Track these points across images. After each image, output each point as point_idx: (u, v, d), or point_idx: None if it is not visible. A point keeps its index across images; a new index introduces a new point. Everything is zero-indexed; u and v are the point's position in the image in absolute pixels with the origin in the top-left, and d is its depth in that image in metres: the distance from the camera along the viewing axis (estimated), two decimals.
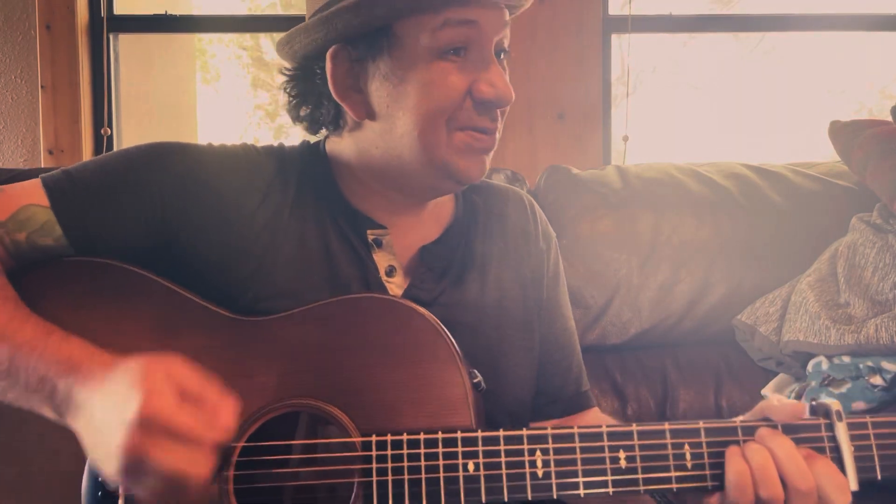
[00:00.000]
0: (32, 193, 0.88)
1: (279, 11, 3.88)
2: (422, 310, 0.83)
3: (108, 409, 0.71)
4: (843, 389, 1.33)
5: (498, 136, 0.92)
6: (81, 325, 0.81)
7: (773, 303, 1.53)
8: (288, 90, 0.96)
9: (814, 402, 0.79)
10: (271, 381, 0.82)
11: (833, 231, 1.58)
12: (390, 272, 0.94)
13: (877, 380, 1.31)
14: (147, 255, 0.89)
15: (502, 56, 0.91)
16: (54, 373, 0.75)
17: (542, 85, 2.03)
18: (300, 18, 0.94)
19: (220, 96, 3.99)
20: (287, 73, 0.96)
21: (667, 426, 0.78)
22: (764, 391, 1.49)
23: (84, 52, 2.07)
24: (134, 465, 0.68)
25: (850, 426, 0.77)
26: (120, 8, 2.16)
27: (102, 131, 2.08)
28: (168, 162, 0.91)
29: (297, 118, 0.98)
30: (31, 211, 0.87)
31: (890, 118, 1.70)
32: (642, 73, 3.18)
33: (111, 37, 2.15)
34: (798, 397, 1.39)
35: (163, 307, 0.86)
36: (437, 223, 1.00)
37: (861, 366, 1.33)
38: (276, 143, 1.01)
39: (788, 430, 0.77)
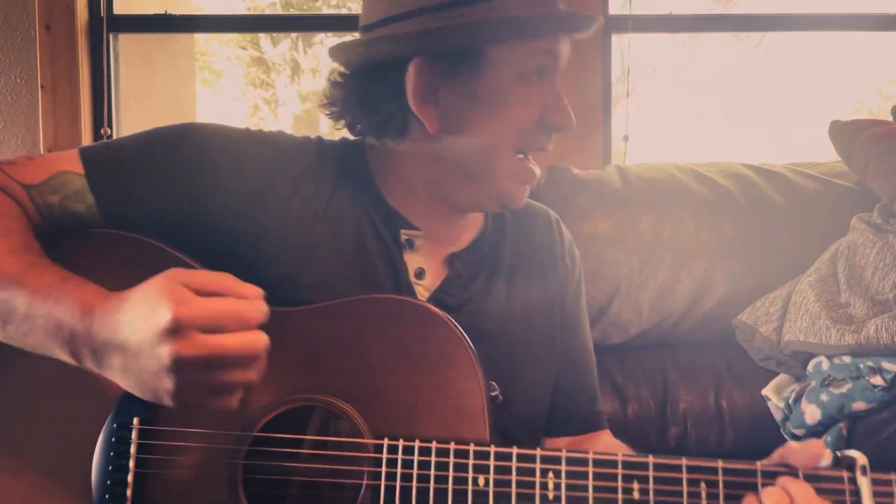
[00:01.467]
0: (69, 161, 0.90)
1: (279, 11, 3.88)
2: (446, 317, 0.83)
3: (141, 330, 0.69)
4: (844, 389, 1.33)
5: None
6: None
7: (773, 303, 1.53)
8: (345, 93, 0.94)
9: (839, 454, 0.77)
10: (289, 374, 0.82)
11: (833, 231, 1.58)
12: (420, 274, 0.95)
13: (877, 380, 1.31)
14: (173, 231, 0.89)
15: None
16: (70, 316, 0.74)
17: None
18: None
19: (220, 96, 3.99)
20: (346, 76, 0.94)
21: (684, 461, 0.76)
22: (764, 391, 1.49)
23: (84, 51, 2.07)
24: (193, 361, 0.67)
25: (875, 482, 0.75)
26: (120, 8, 2.16)
27: (102, 131, 2.08)
28: (202, 143, 0.92)
29: (352, 120, 0.95)
30: (66, 177, 0.89)
31: (890, 118, 1.70)
32: (642, 73, 3.18)
33: (111, 37, 2.14)
34: (798, 397, 1.39)
35: None
36: (466, 232, 1.01)
37: (861, 366, 1.33)
38: (314, 136, 1.01)
39: (810, 479, 0.75)
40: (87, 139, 2.06)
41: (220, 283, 0.71)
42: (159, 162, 0.91)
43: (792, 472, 0.76)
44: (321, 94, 0.99)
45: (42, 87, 2.02)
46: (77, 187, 0.89)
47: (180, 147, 0.92)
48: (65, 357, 0.76)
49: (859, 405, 1.32)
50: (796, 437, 1.40)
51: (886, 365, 1.31)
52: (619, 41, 2.13)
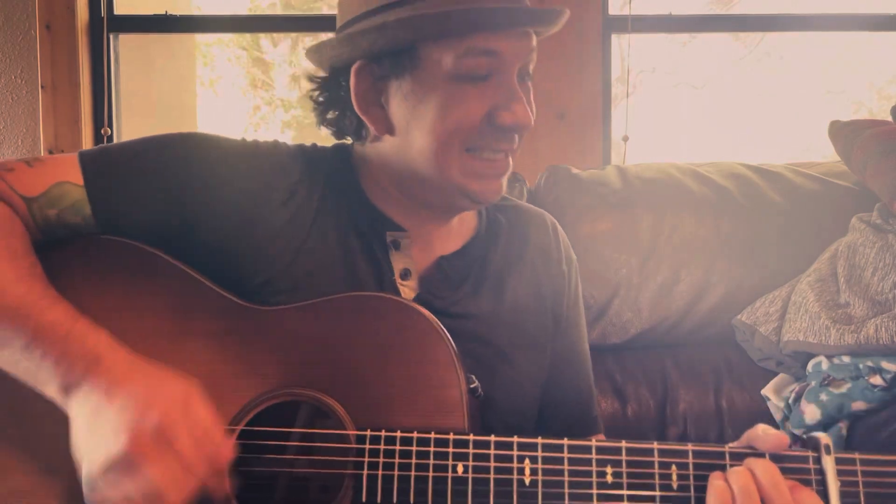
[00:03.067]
0: (68, 170, 0.90)
1: (279, 11, 3.88)
2: (426, 312, 0.85)
3: (120, 409, 0.73)
4: (843, 389, 1.33)
5: (513, 156, 0.93)
6: (99, 301, 0.84)
7: (773, 303, 1.53)
8: (314, 97, 0.98)
9: (805, 435, 0.79)
10: (275, 370, 0.84)
11: (833, 231, 1.58)
12: (405, 275, 0.95)
13: (877, 380, 1.31)
14: (167, 239, 0.90)
15: (526, 79, 0.92)
16: (73, 357, 0.76)
17: (542, 85, 2.01)
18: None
19: (220, 96, 3.99)
20: (315, 80, 0.98)
21: (655, 445, 0.79)
22: (764, 391, 1.49)
23: (84, 52, 2.07)
24: (125, 465, 0.70)
25: (839, 461, 0.77)
26: (120, 8, 2.16)
27: (102, 131, 2.08)
28: (199, 153, 0.93)
29: (322, 122, 0.99)
30: (64, 188, 0.89)
31: (890, 118, 1.70)
32: (642, 73, 3.18)
33: (111, 37, 2.14)
34: (798, 397, 1.39)
35: (179, 290, 0.88)
36: (458, 235, 1.01)
37: (861, 366, 1.33)
38: (308, 144, 1.02)
39: (776, 458, 0.77)
40: (87, 139, 2.07)
41: (211, 429, 0.75)
42: (156, 173, 0.91)
43: (758, 454, 0.78)
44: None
45: (42, 87, 2.02)
46: (74, 198, 0.90)
47: (177, 157, 0.92)
48: (52, 392, 0.78)
49: (859, 405, 1.32)
50: (796, 437, 1.40)
51: (886, 365, 1.31)
52: (619, 41, 2.14)
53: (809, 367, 1.42)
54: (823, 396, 1.35)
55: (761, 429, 0.79)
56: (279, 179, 0.94)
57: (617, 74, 2.17)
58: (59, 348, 0.77)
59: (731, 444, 0.80)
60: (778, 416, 1.45)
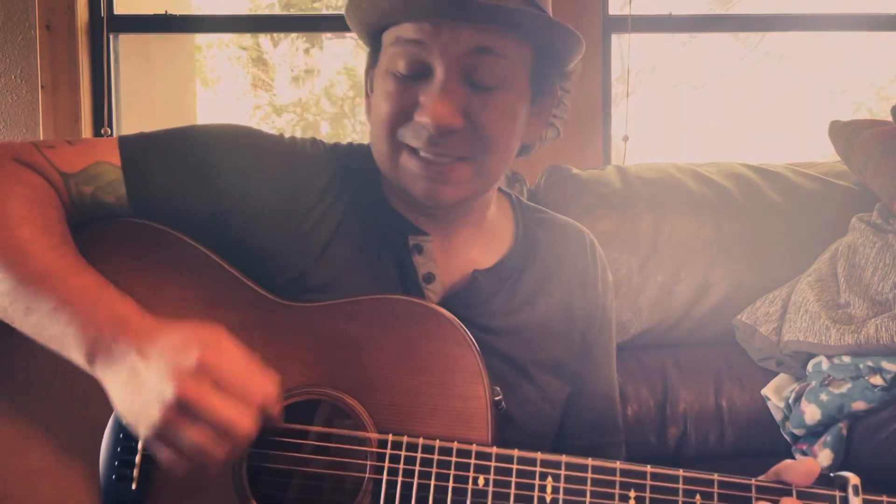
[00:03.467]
0: (108, 151, 0.91)
1: (278, 11, 3.88)
2: (454, 319, 0.84)
3: (158, 359, 0.72)
4: (843, 389, 1.33)
5: (475, 165, 0.88)
6: (129, 284, 0.84)
7: (773, 303, 1.53)
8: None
9: (832, 475, 0.78)
10: (299, 367, 0.84)
11: (833, 231, 1.58)
12: (428, 279, 0.94)
13: (877, 380, 1.31)
14: (200, 228, 0.91)
15: (481, 89, 0.85)
16: (102, 322, 0.76)
17: None
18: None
19: (219, 97, 3.99)
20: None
21: (681, 472, 0.77)
22: (764, 391, 1.49)
23: (84, 52, 2.07)
24: (183, 409, 0.70)
25: (866, 502, 0.75)
26: (120, 8, 2.16)
27: (102, 131, 2.08)
28: (239, 147, 0.94)
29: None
30: (102, 168, 0.90)
31: (890, 118, 1.70)
32: (642, 73, 3.17)
33: (111, 37, 2.14)
34: (798, 397, 1.39)
35: (208, 279, 0.88)
36: (492, 246, 1.00)
37: (861, 366, 1.33)
38: (345, 143, 1.02)
39: (803, 496, 0.75)
40: None
41: (250, 361, 0.75)
42: (196, 162, 0.92)
43: (786, 489, 0.76)
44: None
45: (42, 87, 2.02)
46: (111, 178, 0.90)
47: (217, 150, 0.93)
48: (77, 358, 0.77)
49: (859, 405, 1.32)
50: (796, 437, 1.40)
51: (886, 365, 1.31)
52: (619, 41, 2.14)
53: (809, 367, 1.42)
54: (823, 396, 1.35)
55: (790, 461, 0.77)
56: (313, 179, 0.95)
57: (617, 74, 2.16)
58: (88, 312, 0.77)
59: (758, 478, 0.78)
60: (778, 416, 1.45)
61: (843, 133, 1.69)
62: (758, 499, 0.76)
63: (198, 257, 0.89)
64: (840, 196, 1.65)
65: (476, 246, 0.99)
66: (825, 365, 1.39)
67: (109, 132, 2.09)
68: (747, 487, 0.76)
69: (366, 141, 1.01)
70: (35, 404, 0.85)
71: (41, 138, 2.01)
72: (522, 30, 0.85)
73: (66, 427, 0.84)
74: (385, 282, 0.93)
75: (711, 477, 0.77)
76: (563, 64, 0.93)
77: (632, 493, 0.77)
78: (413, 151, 0.87)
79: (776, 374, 1.51)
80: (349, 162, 0.99)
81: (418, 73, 0.85)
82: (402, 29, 0.84)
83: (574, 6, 2.01)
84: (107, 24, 2.10)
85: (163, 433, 0.71)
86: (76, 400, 0.84)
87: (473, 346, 0.83)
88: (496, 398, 0.83)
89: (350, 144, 1.02)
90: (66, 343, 0.77)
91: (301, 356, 0.84)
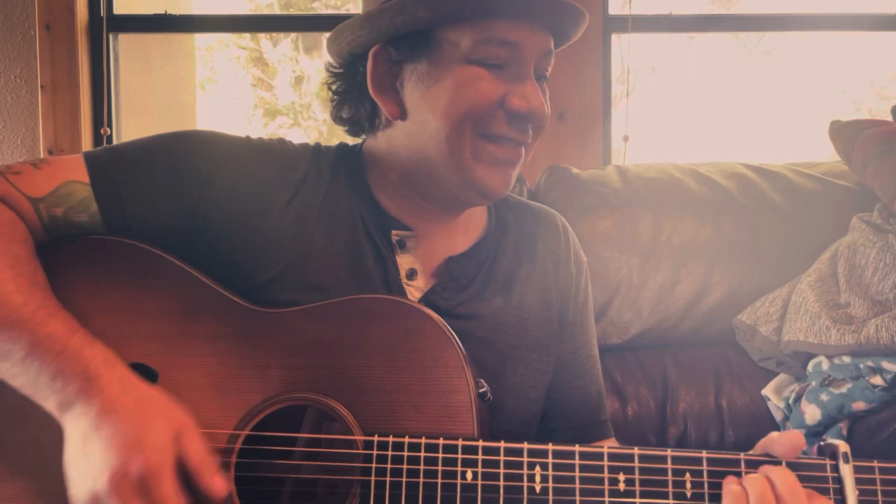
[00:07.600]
0: (75, 169, 0.90)
1: (278, 11, 3.88)
2: (434, 315, 0.84)
3: (108, 439, 0.73)
4: (844, 389, 1.33)
5: (527, 152, 0.93)
6: (103, 302, 0.84)
7: (773, 303, 1.53)
8: (332, 87, 0.99)
9: (822, 443, 0.77)
10: (281, 373, 0.83)
11: (833, 231, 1.58)
12: (411, 275, 0.95)
13: (877, 380, 1.31)
14: (175, 238, 0.90)
15: (542, 81, 0.93)
16: (69, 375, 0.76)
17: None
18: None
19: (219, 97, 3.99)
20: (332, 69, 0.99)
21: (669, 452, 0.77)
22: (764, 391, 1.49)
23: (84, 51, 2.07)
24: (106, 502, 0.71)
25: (857, 469, 0.75)
26: (120, 8, 2.16)
27: (102, 131, 2.08)
28: (206, 151, 0.93)
29: (338, 118, 1.00)
30: (71, 187, 0.89)
31: (890, 118, 1.70)
32: (642, 73, 3.18)
33: (111, 37, 2.14)
34: (798, 397, 1.39)
35: (185, 292, 0.87)
36: (466, 235, 1.01)
37: (861, 366, 1.33)
38: (312, 143, 1.02)
39: (793, 466, 0.75)
40: (87, 139, 2.06)
41: (200, 467, 0.75)
42: (164, 170, 0.91)
43: (775, 461, 0.76)
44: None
45: (42, 87, 2.02)
46: (81, 196, 0.89)
47: (184, 156, 0.92)
48: (50, 407, 0.78)
49: (859, 405, 1.32)
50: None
51: (886, 365, 1.31)
52: (619, 41, 2.14)
53: (810, 367, 1.42)
54: (824, 396, 1.35)
55: (776, 434, 0.77)
56: (286, 175, 0.94)
57: (617, 74, 2.16)
58: (56, 364, 0.76)
59: (746, 452, 0.78)
60: (778, 417, 1.45)
61: (843, 133, 1.69)
62: (747, 472, 0.76)
63: (172, 270, 0.88)
64: (840, 196, 1.65)
65: (455, 237, 1.00)
66: (825, 365, 1.39)
67: (109, 132, 2.09)
68: (736, 462, 0.77)
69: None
70: (24, 427, 0.84)
71: (41, 138, 2.02)
72: (577, 30, 0.94)
73: (55, 450, 0.82)
74: (366, 279, 0.93)
75: (700, 454, 0.77)
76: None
77: (621, 477, 0.77)
78: (491, 139, 0.89)
79: (776, 374, 1.51)
80: (324, 158, 0.99)
81: (499, 66, 0.88)
82: (495, 29, 0.87)
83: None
84: (106, 24, 2.10)
85: None
86: (48, 427, 0.82)
87: (455, 341, 0.83)
88: (481, 390, 0.83)
89: (318, 144, 1.02)
90: (38, 393, 0.78)
91: (282, 362, 0.84)
